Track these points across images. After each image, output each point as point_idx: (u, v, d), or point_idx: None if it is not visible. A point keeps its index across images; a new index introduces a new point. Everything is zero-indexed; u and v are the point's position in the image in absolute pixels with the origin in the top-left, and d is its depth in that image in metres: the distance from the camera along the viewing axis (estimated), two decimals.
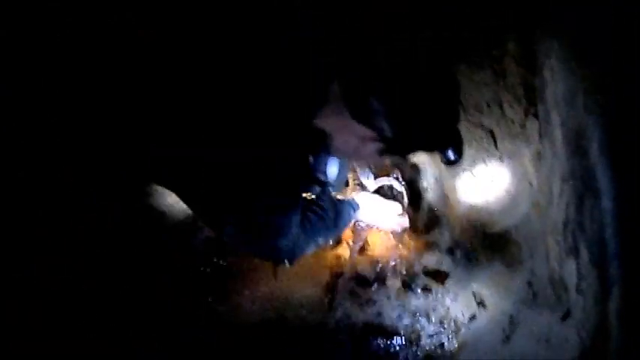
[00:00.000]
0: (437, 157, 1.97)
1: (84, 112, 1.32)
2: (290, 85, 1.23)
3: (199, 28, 1.28)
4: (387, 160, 2.01)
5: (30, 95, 1.36)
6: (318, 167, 1.56)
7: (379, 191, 1.98)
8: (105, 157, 1.39)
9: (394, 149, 1.27)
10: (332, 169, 1.60)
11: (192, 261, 2.03)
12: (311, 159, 1.48)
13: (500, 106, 1.82)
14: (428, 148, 1.53)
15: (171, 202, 1.89)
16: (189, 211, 1.51)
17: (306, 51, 1.28)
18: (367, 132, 1.21)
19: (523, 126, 1.76)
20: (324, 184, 1.61)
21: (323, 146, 1.28)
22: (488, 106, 1.84)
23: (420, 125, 1.22)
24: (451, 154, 1.45)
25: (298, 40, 1.29)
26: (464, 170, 1.95)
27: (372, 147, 1.24)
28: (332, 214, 1.65)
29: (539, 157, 1.71)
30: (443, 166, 1.99)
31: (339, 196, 1.86)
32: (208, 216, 1.39)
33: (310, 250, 1.57)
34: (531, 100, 1.73)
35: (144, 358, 1.81)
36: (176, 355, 1.85)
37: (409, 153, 1.85)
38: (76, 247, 1.67)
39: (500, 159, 1.84)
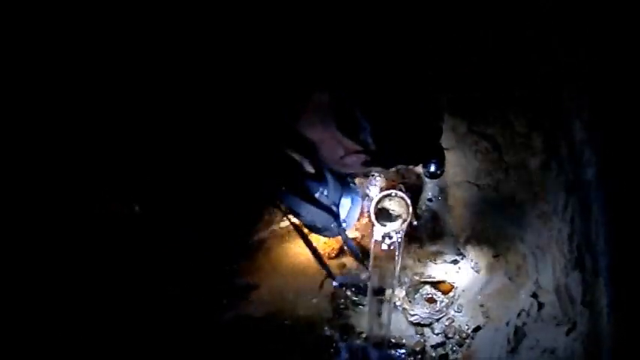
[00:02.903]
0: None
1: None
2: (279, 93, 1.28)
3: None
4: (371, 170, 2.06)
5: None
6: (332, 199, 1.52)
7: (383, 202, 1.98)
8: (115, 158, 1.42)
9: (377, 162, 1.33)
10: (345, 202, 1.58)
11: (199, 270, 2.03)
12: (325, 191, 1.47)
13: (506, 117, 1.82)
14: (410, 162, 1.58)
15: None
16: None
17: (296, 61, 1.33)
18: (352, 144, 1.26)
19: (528, 137, 1.76)
20: (338, 218, 1.56)
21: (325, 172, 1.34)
22: (494, 116, 1.85)
23: (404, 142, 1.27)
24: (432, 167, 1.51)
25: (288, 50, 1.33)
26: (469, 181, 1.95)
27: (357, 158, 1.30)
28: None
29: (544, 168, 1.71)
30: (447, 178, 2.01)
31: None
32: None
33: None
34: (536, 112, 1.74)
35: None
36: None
37: (392, 166, 1.89)
38: (85, 249, 1.67)
39: (506, 170, 1.85)
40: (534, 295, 1.65)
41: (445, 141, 1.86)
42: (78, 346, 1.63)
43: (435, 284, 2.01)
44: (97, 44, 1.33)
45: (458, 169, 1.98)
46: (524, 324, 1.61)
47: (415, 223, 2.06)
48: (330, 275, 1.84)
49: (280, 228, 2.32)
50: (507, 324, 1.68)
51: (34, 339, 1.53)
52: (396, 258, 1.93)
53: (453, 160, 1.91)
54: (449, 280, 2.01)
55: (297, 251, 2.27)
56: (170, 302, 1.87)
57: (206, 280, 1.93)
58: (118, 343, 1.73)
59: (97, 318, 1.70)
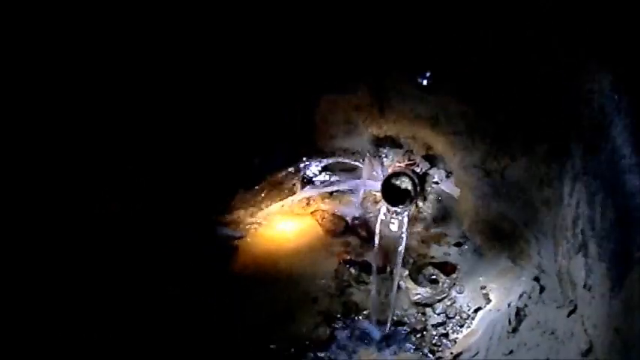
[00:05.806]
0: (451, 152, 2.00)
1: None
2: None
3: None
4: None
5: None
6: None
7: (391, 182, 2.00)
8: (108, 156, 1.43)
9: None
10: None
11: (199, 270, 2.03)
12: None
13: (514, 104, 1.83)
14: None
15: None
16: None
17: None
18: None
19: (535, 123, 1.77)
20: None
21: None
22: (502, 103, 1.85)
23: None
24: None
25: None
26: (475, 165, 1.96)
27: None
28: None
29: (550, 154, 1.72)
30: (455, 162, 2.02)
31: None
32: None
33: None
34: (543, 100, 1.74)
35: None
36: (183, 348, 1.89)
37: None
38: (86, 248, 1.66)
39: (512, 155, 1.86)
40: (536, 279, 1.68)
41: (454, 126, 1.87)
42: (78, 346, 1.63)
43: (438, 265, 2.05)
44: (97, 44, 1.33)
45: (465, 153, 1.99)
46: (525, 306, 1.64)
47: (421, 204, 2.09)
48: None
49: (283, 207, 2.34)
50: (509, 305, 1.71)
51: (34, 338, 1.53)
52: (401, 238, 1.96)
53: (461, 144, 1.92)
54: (452, 261, 2.05)
55: (301, 229, 2.30)
56: (170, 302, 1.89)
57: (206, 280, 1.93)
58: (118, 342, 1.74)
59: (98, 318, 1.70)
